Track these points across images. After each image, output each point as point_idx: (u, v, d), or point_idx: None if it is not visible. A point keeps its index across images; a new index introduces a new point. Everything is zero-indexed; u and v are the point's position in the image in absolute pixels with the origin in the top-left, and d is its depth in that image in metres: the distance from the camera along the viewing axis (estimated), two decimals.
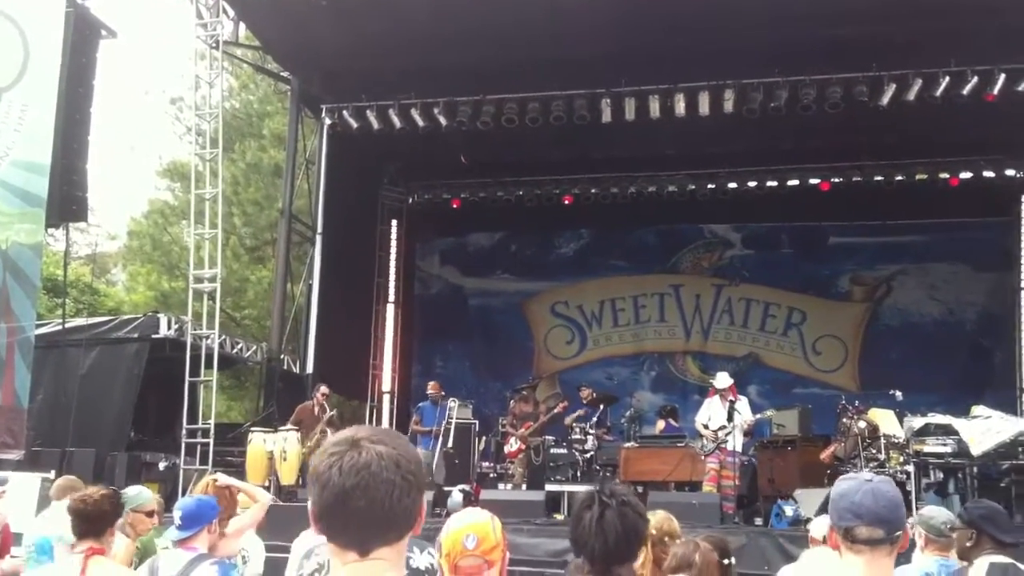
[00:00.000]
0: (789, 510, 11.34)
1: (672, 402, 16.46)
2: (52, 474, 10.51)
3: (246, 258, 23.04)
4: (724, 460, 12.13)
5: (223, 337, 14.76)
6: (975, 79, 13.71)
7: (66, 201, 13.20)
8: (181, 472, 12.80)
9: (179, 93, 24.92)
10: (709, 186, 18.19)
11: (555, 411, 14.05)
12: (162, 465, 13.20)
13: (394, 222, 19.48)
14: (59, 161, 12.73)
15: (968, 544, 4.57)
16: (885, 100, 14.03)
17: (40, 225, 12.69)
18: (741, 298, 19.13)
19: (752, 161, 17.66)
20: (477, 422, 15.29)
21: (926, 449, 10.54)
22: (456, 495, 11.98)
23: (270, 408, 14.93)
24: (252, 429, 13.26)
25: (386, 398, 18.69)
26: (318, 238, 16.52)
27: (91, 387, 13.58)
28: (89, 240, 29.06)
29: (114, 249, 30.73)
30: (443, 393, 14.30)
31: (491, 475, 14.64)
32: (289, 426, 13.08)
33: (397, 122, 15.49)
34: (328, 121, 16.09)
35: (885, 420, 11.50)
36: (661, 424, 14.91)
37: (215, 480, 5.29)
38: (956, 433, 10.47)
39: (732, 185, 18.13)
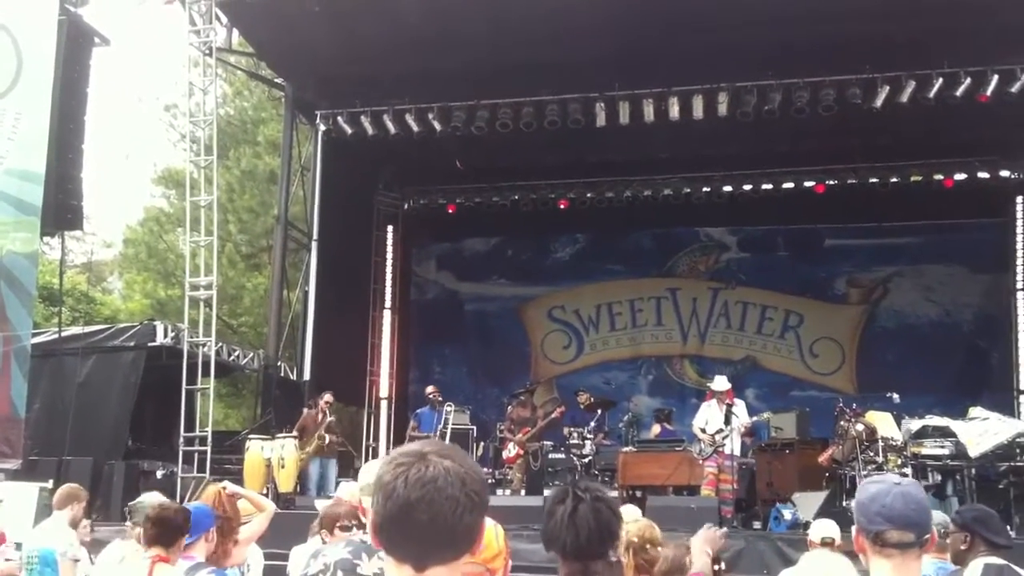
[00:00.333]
0: (788, 513, 11.34)
1: (670, 406, 16.48)
2: (50, 483, 10.51)
3: (242, 265, 23.01)
4: (722, 464, 12.12)
5: (220, 344, 14.73)
6: (968, 80, 13.75)
7: (61, 209, 13.18)
8: (179, 480, 12.78)
9: (173, 100, 24.92)
10: (704, 189, 18.19)
11: (553, 416, 14.04)
12: (160, 473, 13.17)
13: (390, 228, 19.47)
14: (53, 169, 12.72)
15: (962, 547, 4.58)
16: (879, 102, 14.06)
17: (35, 234, 12.69)
18: (738, 301, 19.13)
19: (747, 164, 17.67)
20: (475, 428, 15.28)
21: (924, 451, 10.55)
22: None
23: (267, 415, 14.91)
24: (250, 437, 13.26)
25: (384, 404, 18.66)
26: (314, 244, 16.49)
27: (88, 396, 13.54)
28: (85, 248, 28.99)
29: (110, 257, 30.67)
30: (441, 398, 14.29)
31: (489, 481, 14.62)
32: (285, 433, 13.08)
33: (392, 128, 15.50)
34: (323, 127, 16.10)
35: (883, 422, 11.51)
36: (657, 428, 14.91)
37: (224, 488, 5.29)
38: (954, 435, 10.48)
39: (727, 188, 18.12)
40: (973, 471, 10.49)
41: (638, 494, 12.58)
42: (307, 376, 15.89)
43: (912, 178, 17.45)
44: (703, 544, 3.88)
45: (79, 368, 13.77)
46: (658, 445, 13.73)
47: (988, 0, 12.58)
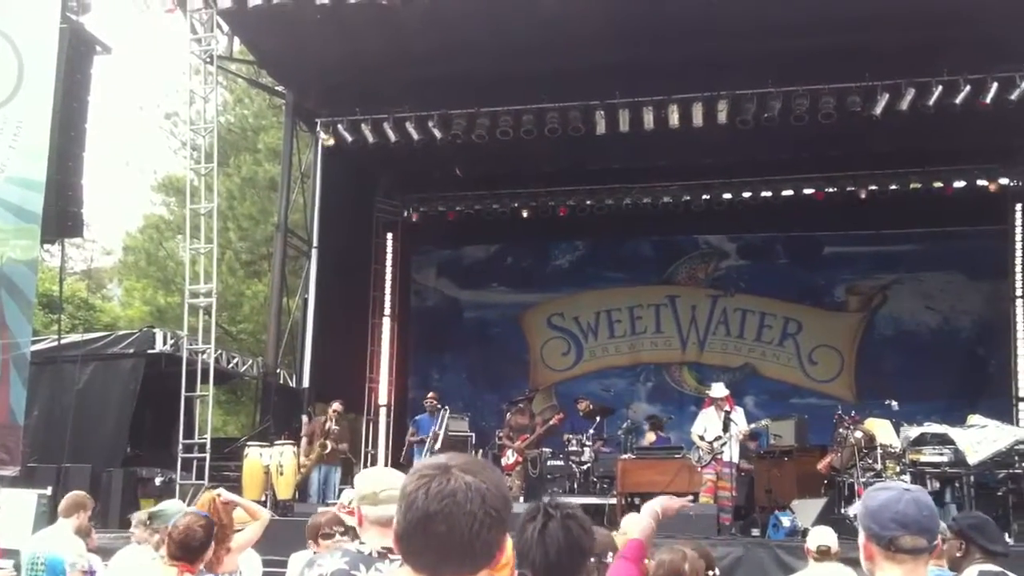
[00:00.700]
0: (786, 521, 11.35)
1: (668, 413, 16.51)
2: (49, 490, 10.51)
3: (242, 272, 23.03)
4: (721, 471, 12.11)
5: (219, 352, 14.75)
6: (968, 88, 13.76)
7: (61, 217, 13.19)
8: (178, 487, 12.78)
9: (174, 108, 24.94)
10: (704, 197, 18.21)
11: (551, 423, 14.04)
12: (158, 480, 13.18)
13: (389, 235, 19.48)
14: (54, 177, 12.74)
15: (958, 554, 4.59)
16: (878, 110, 14.08)
17: (36, 241, 12.70)
18: (737, 308, 19.13)
19: (746, 172, 17.70)
20: (474, 435, 15.29)
21: (923, 459, 10.57)
22: None
23: (266, 422, 14.92)
24: (248, 444, 13.27)
25: (383, 411, 18.66)
26: (314, 252, 16.50)
27: (87, 403, 13.55)
28: (84, 255, 29.04)
29: (110, 264, 30.68)
30: (438, 404, 14.26)
31: None
32: (285, 440, 13.10)
33: (392, 135, 15.52)
34: (323, 135, 16.11)
35: (881, 430, 11.52)
36: (652, 436, 14.91)
37: (219, 496, 5.29)
38: (952, 442, 10.49)
39: (727, 196, 18.15)
40: (972, 478, 10.50)
41: (636, 501, 12.59)
42: (306, 383, 15.88)
43: (911, 185, 17.48)
44: (653, 507, 3.78)
45: (78, 375, 13.78)
46: (657, 452, 13.75)
47: (987, 9, 12.58)
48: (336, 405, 13.64)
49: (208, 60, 14.31)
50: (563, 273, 20.02)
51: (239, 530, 5.38)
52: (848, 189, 17.57)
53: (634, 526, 3.52)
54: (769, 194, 18.01)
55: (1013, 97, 13.74)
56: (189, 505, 5.84)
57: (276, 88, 17.50)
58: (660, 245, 19.79)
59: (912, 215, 17.68)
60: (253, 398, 18.41)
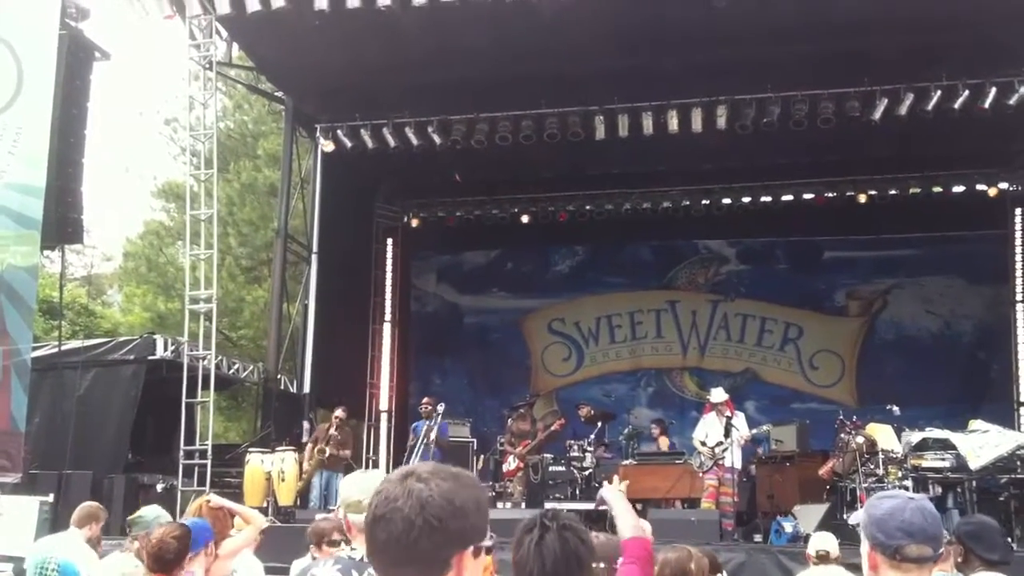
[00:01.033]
0: (788, 526, 11.33)
1: (669, 418, 16.45)
2: (50, 497, 10.50)
3: (242, 278, 23.04)
4: (723, 476, 12.12)
5: (220, 358, 14.73)
6: (966, 93, 13.78)
7: (61, 223, 13.20)
8: (179, 494, 12.77)
9: (173, 114, 25.01)
10: (704, 202, 18.23)
11: (552, 429, 14.02)
12: (160, 487, 13.14)
13: (389, 241, 19.48)
14: (54, 183, 12.75)
15: (959, 560, 4.58)
16: (877, 115, 14.10)
17: (36, 247, 12.69)
18: (737, 313, 19.14)
19: (746, 177, 17.70)
20: (475, 440, 15.27)
21: (924, 464, 10.54)
22: None
23: (267, 428, 14.92)
24: (250, 450, 13.27)
25: (384, 417, 18.65)
26: (314, 257, 16.51)
27: (88, 409, 13.54)
28: (85, 262, 29.06)
29: (110, 270, 30.69)
30: (432, 409, 13.98)
31: (490, 494, 14.60)
32: (285, 446, 13.08)
33: (391, 141, 15.53)
34: (323, 140, 16.12)
35: (883, 435, 11.51)
36: (665, 441, 14.81)
37: (208, 501, 5.28)
38: (954, 447, 10.47)
39: (726, 201, 18.16)
40: (974, 483, 10.47)
41: (638, 507, 12.59)
42: (307, 389, 15.89)
43: (911, 190, 17.48)
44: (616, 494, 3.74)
45: (79, 382, 13.76)
46: (658, 458, 13.75)
47: (985, 14, 12.59)
48: (339, 412, 13.61)
49: (207, 66, 14.31)
50: (563, 278, 20.02)
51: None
52: (848, 194, 17.59)
53: (624, 517, 3.46)
54: (769, 199, 18.04)
55: (1011, 102, 13.75)
56: (183, 512, 5.84)
57: (275, 94, 17.51)
58: (660, 250, 19.80)
59: (912, 220, 17.69)
60: (254, 404, 18.38)
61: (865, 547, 2.70)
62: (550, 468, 13.89)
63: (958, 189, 17.45)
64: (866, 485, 10.91)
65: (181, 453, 13.15)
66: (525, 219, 18.83)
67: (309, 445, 13.35)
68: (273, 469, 12.45)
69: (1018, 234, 17.58)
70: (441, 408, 13.33)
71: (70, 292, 23.66)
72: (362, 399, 17.98)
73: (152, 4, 13.36)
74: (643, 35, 13.18)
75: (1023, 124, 14.52)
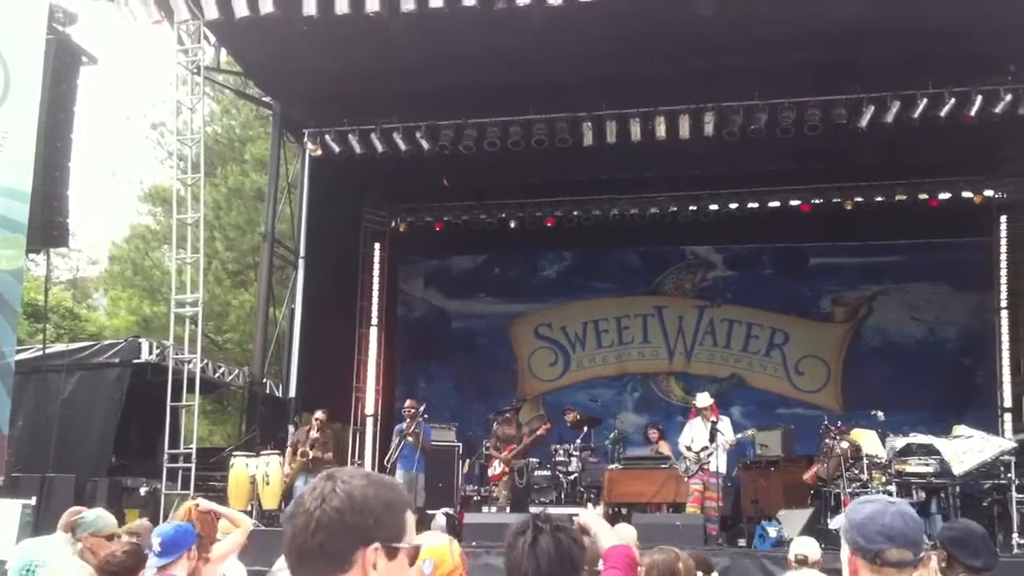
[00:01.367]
0: (772, 531, 11.37)
1: (655, 423, 16.45)
2: (33, 500, 10.46)
3: (228, 282, 22.99)
4: (707, 481, 12.15)
5: (205, 361, 14.71)
6: (952, 101, 13.84)
7: (47, 227, 13.16)
8: (163, 497, 12.74)
9: (160, 118, 24.96)
10: (691, 208, 18.28)
11: (538, 433, 14.02)
12: (143, 490, 13.13)
13: (377, 245, 19.45)
14: (40, 187, 12.71)
15: (942, 565, 4.60)
16: (864, 122, 14.15)
17: (21, 251, 12.65)
18: (724, 319, 19.19)
19: (733, 183, 17.77)
20: (461, 445, 15.26)
21: (908, 469, 10.60)
22: (439, 518, 11.98)
23: (252, 432, 14.88)
24: (234, 453, 13.24)
25: (369, 421, 18.61)
26: (300, 262, 16.48)
27: (72, 412, 13.50)
28: (70, 265, 29.02)
29: (95, 274, 30.64)
30: (417, 412, 13.93)
31: (475, 498, 14.61)
32: (272, 450, 13.06)
33: (379, 146, 15.52)
34: (310, 145, 16.11)
35: (867, 440, 11.56)
36: (666, 445, 14.66)
37: (197, 505, 5.28)
38: (938, 453, 10.53)
39: (713, 207, 18.21)
40: (957, 489, 10.54)
41: (623, 511, 12.62)
42: (292, 393, 15.86)
43: (897, 197, 17.56)
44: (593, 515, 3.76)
45: (63, 385, 13.73)
46: (644, 462, 13.77)
47: (972, 23, 12.67)
48: (319, 414, 13.57)
49: (195, 71, 14.30)
50: (550, 283, 20.04)
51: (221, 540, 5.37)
52: (834, 201, 17.67)
53: (605, 533, 3.49)
54: (755, 205, 18.09)
55: (997, 110, 13.82)
56: (169, 516, 5.84)
57: (263, 99, 17.48)
58: (647, 256, 19.84)
59: (898, 227, 17.76)
60: (239, 408, 18.34)
61: (846, 552, 2.70)
62: (536, 472, 13.91)
63: (944, 196, 17.54)
64: (850, 490, 10.96)
65: (165, 457, 13.12)
66: (512, 224, 18.85)
67: (289, 449, 13.32)
68: (257, 473, 12.43)
69: (1003, 241, 17.64)
70: (422, 407, 13.38)
71: (55, 295, 23.60)
72: (348, 403, 17.96)
73: (140, 9, 13.33)
74: (631, 42, 13.21)
75: (1008, 132, 14.62)
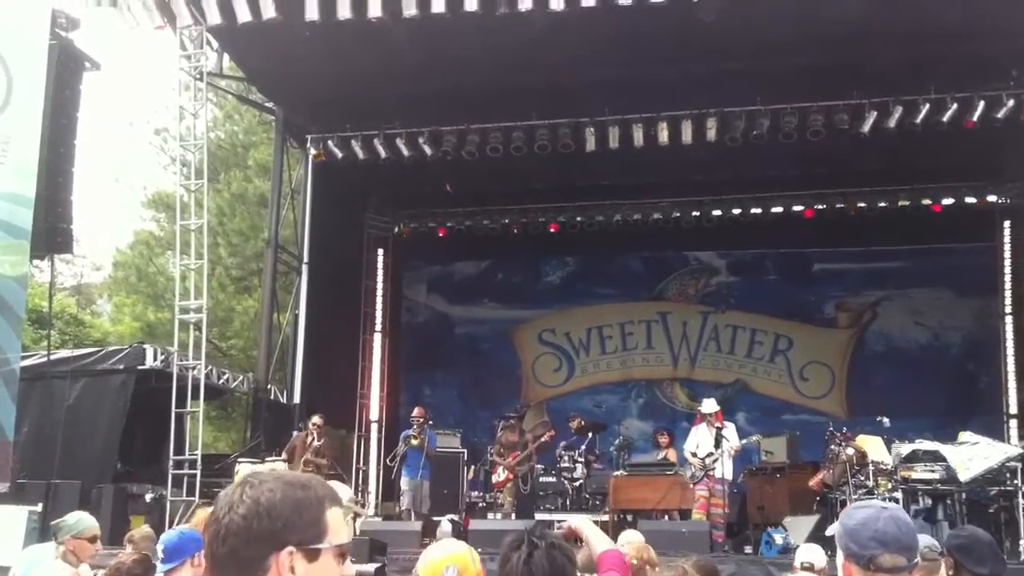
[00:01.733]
0: (779, 538, 11.35)
1: (660, 429, 16.42)
2: (38, 507, 10.45)
3: (232, 288, 23.00)
4: (713, 488, 12.12)
5: (209, 368, 14.69)
6: (955, 106, 13.86)
7: (51, 233, 13.16)
8: (168, 503, 12.72)
9: (164, 124, 24.94)
10: (694, 213, 18.28)
11: (542, 440, 14.01)
12: (149, 497, 13.11)
13: (380, 251, 19.47)
14: (44, 193, 12.70)
15: (950, 573, 4.58)
16: (866, 127, 14.15)
17: (25, 257, 12.65)
18: (728, 325, 19.16)
19: (736, 189, 17.76)
20: (465, 451, 15.25)
21: (914, 475, 10.57)
22: (445, 525, 11.97)
23: (257, 438, 14.87)
24: (239, 460, 13.23)
25: (374, 427, 18.61)
26: (304, 267, 16.49)
27: (77, 419, 13.49)
28: (74, 271, 29.02)
29: (99, 280, 30.64)
30: (424, 421, 14.01)
31: (480, 504, 14.59)
32: (274, 457, 13.04)
33: (382, 152, 15.54)
34: (313, 151, 16.12)
35: (873, 446, 11.53)
36: (674, 453, 14.57)
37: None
38: (944, 459, 10.50)
39: (716, 212, 18.22)
40: (963, 495, 10.52)
41: (629, 518, 12.59)
42: (297, 399, 15.85)
43: (900, 203, 17.56)
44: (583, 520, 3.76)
45: (68, 391, 13.73)
46: (649, 469, 13.72)
47: (973, 29, 12.67)
48: (316, 419, 13.52)
49: (198, 76, 14.31)
50: (554, 289, 20.02)
51: None
52: (837, 206, 17.67)
53: (597, 538, 3.51)
54: (759, 211, 18.09)
55: (1000, 115, 13.84)
56: (183, 521, 5.83)
57: (266, 104, 17.50)
58: (650, 261, 19.83)
59: (901, 232, 17.75)
60: (244, 414, 18.33)
61: (840, 558, 2.69)
62: (541, 479, 13.89)
63: (947, 202, 17.54)
64: (856, 497, 10.93)
65: (170, 463, 13.10)
66: (516, 230, 18.86)
67: (285, 455, 13.26)
68: None
69: (1007, 246, 17.66)
70: (423, 418, 13.47)
71: (59, 302, 23.60)
72: (352, 409, 17.95)
73: (143, 14, 13.35)
74: (634, 47, 13.22)
75: (1011, 137, 14.61)
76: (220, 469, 13.91)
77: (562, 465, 13.83)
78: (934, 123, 14.00)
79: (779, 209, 18.08)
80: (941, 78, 13.81)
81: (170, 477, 13.01)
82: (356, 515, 3.43)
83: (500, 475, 13.77)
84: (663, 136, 14.70)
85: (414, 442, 13.53)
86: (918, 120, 14.01)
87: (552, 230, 18.80)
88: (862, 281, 18.77)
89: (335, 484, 3.89)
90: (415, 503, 13.54)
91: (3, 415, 12.05)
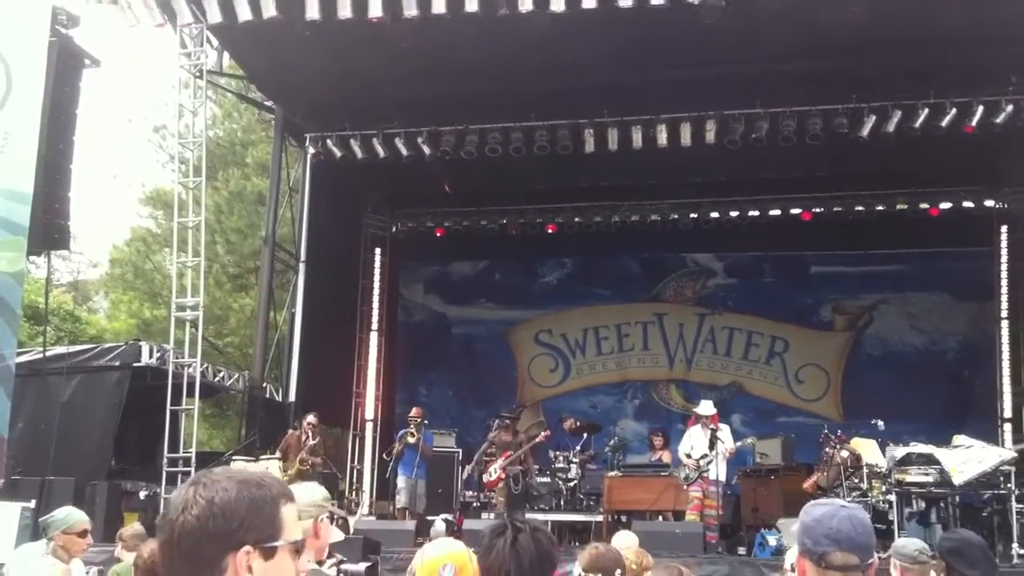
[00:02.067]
0: (772, 540, 11.36)
1: (656, 431, 16.43)
2: (32, 503, 10.43)
3: (229, 286, 22.99)
4: (707, 489, 12.14)
5: (205, 365, 14.69)
6: (953, 111, 13.87)
7: (48, 229, 13.14)
8: (162, 501, 12.71)
9: (162, 121, 24.90)
10: (692, 215, 18.31)
11: (537, 440, 14.00)
12: (143, 494, 13.11)
13: (378, 250, 19.48)
14: (41, 189, 12.69)
15: (942, 575, 4.60)
16: (865, 131, 14.16)
17: (22, 253, 12.63)
18: (724, 327, 19.17)
19: (734, 191, 17.78)
20: (460, 451, 15.25)
21: (908, 478, 10.58)
22: (439, 524, 11.98)
23: (252, 436, 14.88)
24: (234, 458, 13.22)
25: (369, 426, 18.61)
26: (301, 266, 16.49)
27: (72, 416, 13.47)
28: (71, 268, 28.91)
29: (96, 277, 30.59)
30: (422, 420, 14.02)
31: (475, 504, 14.59)
32: (269, 455, 13.05)
33: (381, 151, 15.54)
34: (312, 150, 16.13)
35: (867, 449, 11.55)
36: (668, 454, 14.55)
37: None
38: (938, 462, 10.51)
39: (714, 214, 18.25)
40: (957, 499, 10.53)
41: (623, 519, 12.60)
42: (292, 397, 15.85)
43: (898, 206, 17.61)
44: None
45: (63, 388, 13.70)
46: (644, 470, 13.74)
47: (973, 34, 12.69)
48: (311, 418, 13.52)
49: (197, 74, 14.31)
50: (551, 290, 20.03)
51: None
52: (835, 209, 17.70)
53: None
54: (756, 213, 18.12)
55: (998, 120, 13.85)
56: None
57: (265, 103, 17.51)
58: (648, 263, 19.83)
59: (898, 236, 17.77)
60: (239, 412, 18.34)
61: (795, 554, 2.70)
62: (536, 479, 13.89)
63: (945, 206, 17.56)
64: (850, 499, 10.95)
65: (165, 460, 13.10)
66: (513, 230, 18.87)
67: (279, 453, 13.26)
68: None
69: (1004, 251, 17.68)
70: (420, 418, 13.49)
71: (56, 298, 23.55)
72: (348, 408, 17.95)
73: (143, 12, 13.34)
74: (634, 49, 13.23)
75: (1009, 142, 14.64)
76: (214, 467, 13.89)
77: (557, 466, 13.84)
78: (933, 128, 14.01)
79: (777, 212, 18.12)
80: (940, 83, 13.83)
81: (164, 475, 13.00)
82: (332, 515, 3.42)
83: (491, 475, 13.75)
84: (662, 138, 14.70)
85: (411, 440, 13.56)
86: (917, 125, 14.03)
87: (550, 231, 18.82)
88: (859, 284, 18.77)
89: (310, 484, 3.94)
90: (410, 502, 13.56)
91: None
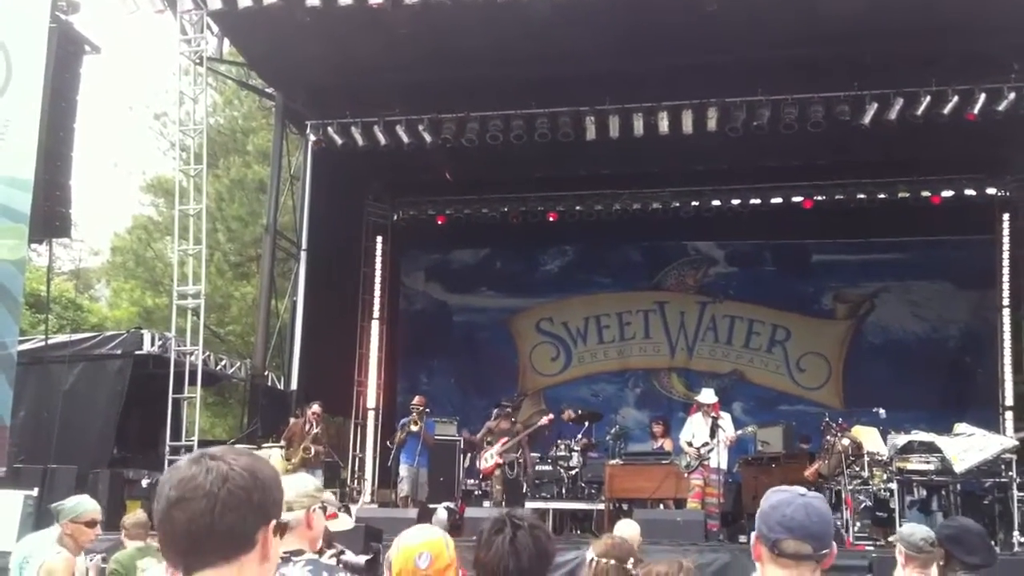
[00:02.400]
0: None
1: (657, 419, 16.44)
2: (35, 491, 10.45)
3: (230, 274, 22.98)
4: (708, 477, 12.14)
5: (207, 353, 14.70)
6: (956, 98, 13.83)
7: (49, 217, 13.13)
8: None
9: (163, 109, 24.88)
10: (693, 203, 18.31)
11: (540, 424, 13.96)
12: (145, 482, 13.10)
13: (379, 238, 19.47)
14: (42, 177, 12.67)
15: (940, 563, 4.60)
16: (867, 119, 14.13)
17: (23, 241, 12.62)
18: (725, 315, 19.18)
19: (735, 179, 17.77)
20: (462, 439, 15.25)
21: (909, 466, 10.59)
22: (441, 512, 11.98)
23: (254, 425, 14.89)
24: (236, 446, 13.21)
25: (371, 414, 18.63)
26: (302, 254, 16.48)
27: (74, 404, 13.47)
28: (72, 256, 28.92)
29: (97, 265, 30.58)
30: (423, 408, 14.01)
31: (476, 492, 14.60)
32: (271, 443, 13.05)
33: (382, 139, 15.52)
34: (313, 137, 16.10)
35: (869, 437, 11.56)
36: (669, 442, 14.57)
37: None
38: (939, 451, 10.52)
39: (716, 202, 18.24)
40: (958, 487, 10.54)
41: (624, 507, 12.62)
42: (294, 386, 15.86)
43: (899, 194, 17.59)
44: None
45: (65, 376, 13.70)
46: (645, 458, 13.73)
47: (975, 22, 12.66)
48: (315, 407, 13.52)
49: (198, 61, 14.29)
50: (552, 278, 20.03)
51: None
52: (836, 197, 17.69)
53: None
54: (758, 201, 18.11)
55: (1000, 108, 13.81)
56: None
57: (266, 90, 17.48)
58: (649, 251, 19.83)
59: (900, 224, 17.76)
60: (241, 400, 18.35)
61: (752, 537, 2.72)
62: (537, 467, 13.89)
63: (947, 194, 17.55)
64: (851, 487, 10.98)
65: (167, 449, 13.14)
66: (514, 219, 18.86)
67: (284, 441, 13.26)
68: None
69: (1006, 239, 17.67)
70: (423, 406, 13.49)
71: (57, 286, 23.57)
72: (349, 396, 17.96)
73: None
74: (635, 37, 13.20)
75: (1011, 130, 14.60)
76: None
77: (558, 454, 13.83)
78: (935, 115, 13.97)
79: (778, 200, 18.11)
80: (942, 71, 13.79)
81: (167, 463, 13.01)
82: (324, 505, 3.44)
83: (488, 461, 13.72)
84: (663, 126, 14.67)
85: (413, 428, 13.57)
86: (919, 112, 13.99)
87: (551, 219, 18.81)
88: (860, 272, 18.78)
89: (302, 475, 3.97)
90: (412, 490, 13.57)
91: (0, 399, 12.05)
